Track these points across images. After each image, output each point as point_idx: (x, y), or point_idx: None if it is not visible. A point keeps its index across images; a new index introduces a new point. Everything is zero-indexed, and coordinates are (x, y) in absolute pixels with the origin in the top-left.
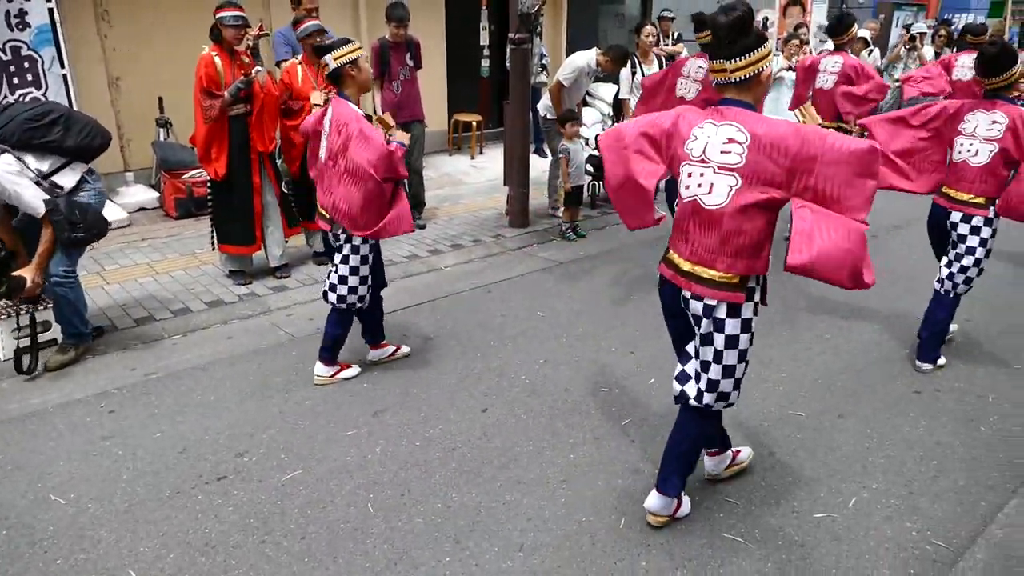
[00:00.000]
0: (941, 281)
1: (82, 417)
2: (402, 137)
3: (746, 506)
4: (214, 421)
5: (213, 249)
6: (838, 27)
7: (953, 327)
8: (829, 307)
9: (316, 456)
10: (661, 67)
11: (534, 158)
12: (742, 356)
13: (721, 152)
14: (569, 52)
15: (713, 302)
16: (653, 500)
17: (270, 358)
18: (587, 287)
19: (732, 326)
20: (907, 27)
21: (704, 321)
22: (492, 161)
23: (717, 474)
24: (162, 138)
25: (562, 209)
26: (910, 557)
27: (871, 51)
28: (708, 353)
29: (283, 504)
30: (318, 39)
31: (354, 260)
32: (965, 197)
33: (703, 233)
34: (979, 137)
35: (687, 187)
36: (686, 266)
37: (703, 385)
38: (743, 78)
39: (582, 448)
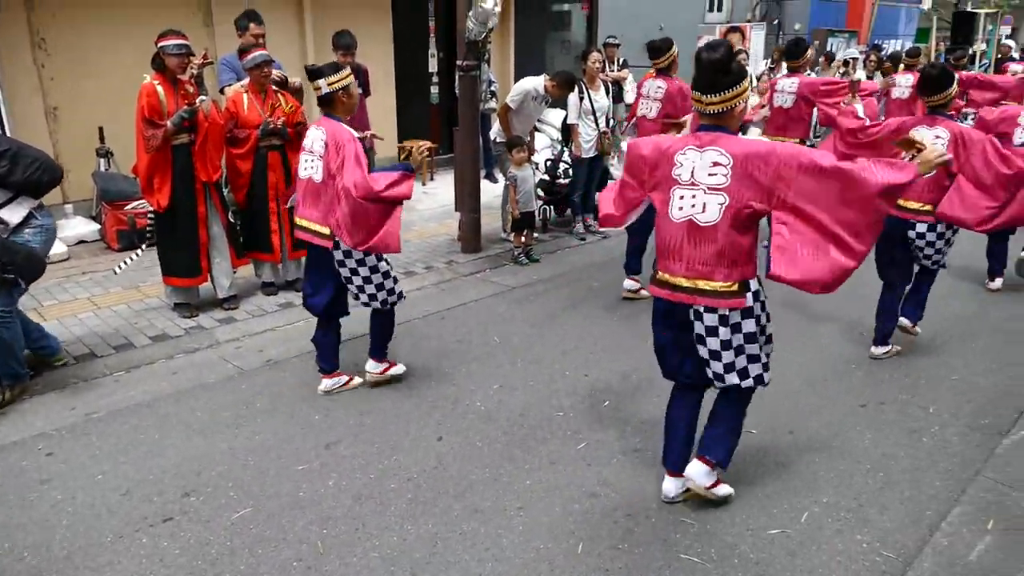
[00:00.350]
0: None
1: (18, 460)
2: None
3: (702, 525)
4: (159, 460)
5: (118, 272)
6: (796, 50)
7: (904, 321)
8: (780, 321)
9: (267, 492)
10: (608, 92)
11: (485, 183)
12: (766, 341)
13: (709, 175)
14: (517, 78)
15: (726, 311)
16: (694, 467)
17: (218, 393)
18: (540, 311)
19: (749, 325)
20: (827, 54)
21: (721, 330)
22: (443, 187)
23: (674, 498)
24: (103, 168)
25: (513, 234)
26: (861, 569)
27: (808, 75)
28: (729, 355)
29: (233, 544)
30: (266, 69)
31: (371, 261)
32: (916, 206)
33: (699, 249)
34: None
35: (680, 208)
36: (684, 282)
37: (734, 378)
38: (717, 111)
39: (538, 473)
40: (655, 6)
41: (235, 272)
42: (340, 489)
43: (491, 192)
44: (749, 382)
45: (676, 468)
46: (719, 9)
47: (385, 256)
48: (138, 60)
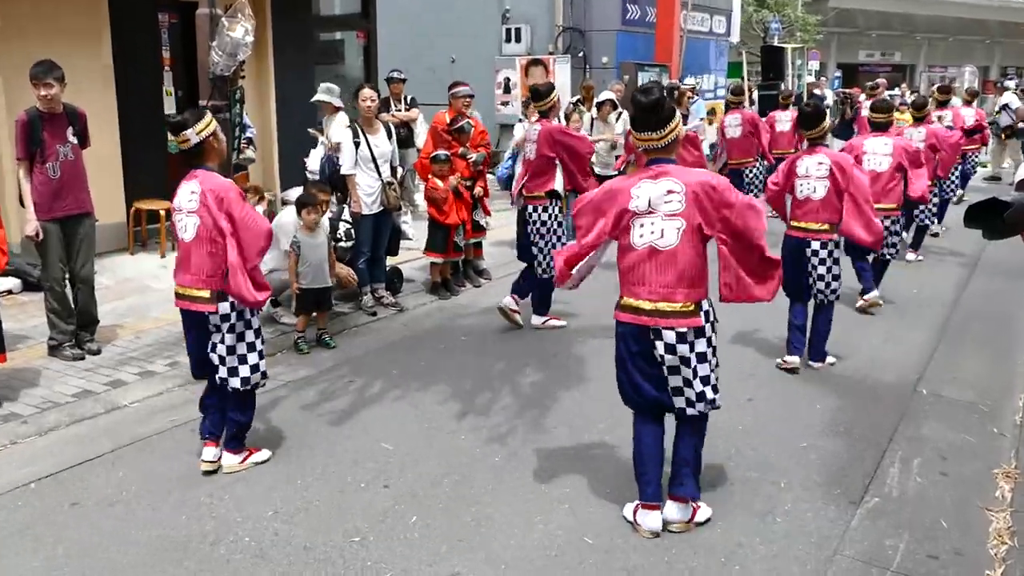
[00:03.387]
0: (816, 295)
1: None
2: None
3: None
4: None
5: None
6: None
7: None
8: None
9: None
10: (389, 135)
11: None
12: (713, 365)
13: (665, 202)
14: (281, 121)
15: (684, 329)
16: (670, 510)
17: None
18: (326, 410)
19: (701, 344)
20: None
21: (679, 347)
22: None
23: (673, 521)
24: None
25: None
26: None
27: (619, 114)
28: (688, 372)
29: None
30: None
31: (250, 336)
32: (816, 226)
33: (660, 273)
34: (812, 176)
35: (640, 236)
36: (648, 305)
37: (692, 396)
38: (666, 143)
39: None
40: (446, 36)
41: None
42: None
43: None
44: (703, 407)
45: (658, 499)
46: (517, 40)
47: (256, 326)
48: None
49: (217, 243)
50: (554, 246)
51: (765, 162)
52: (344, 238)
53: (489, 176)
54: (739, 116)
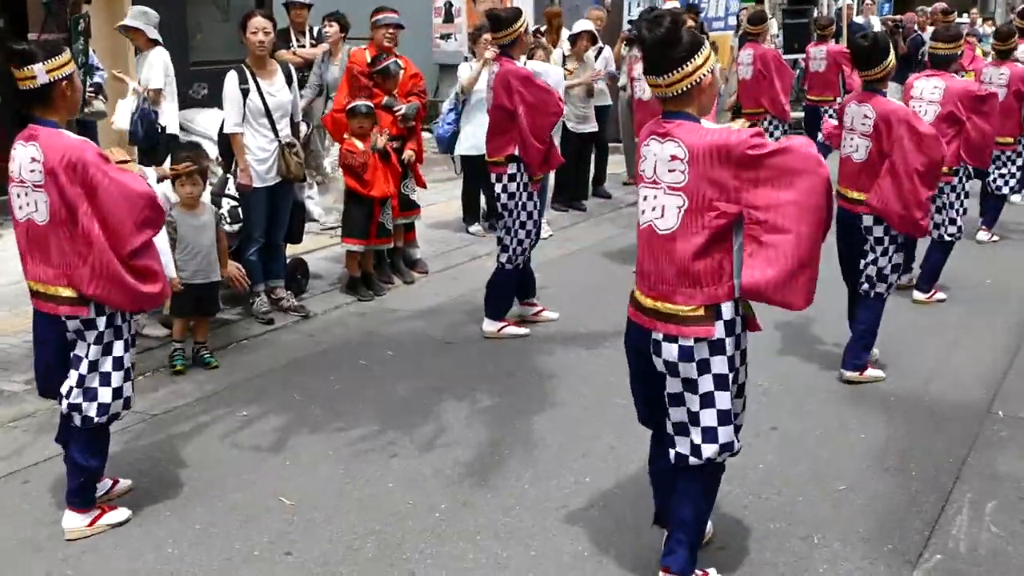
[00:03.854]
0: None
1: None
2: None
3: None
4: None
5: None
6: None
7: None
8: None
9: None
10: (289, 81)
11: None
12: (738, 392)
13: (668, 171)
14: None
15: (690, 342)
16: None
17: None
18: (198, 456)
19: (718, 364)
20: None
21: (682, 366)
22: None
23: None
24: None
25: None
26: None
27: (600, 50)
28: (695, 401)
29: None
30: None
31: (118, 348)
32: (860, 196)
33: (659, 263)
34: (856, 132)
35: (643, 212)
36: (648, 303)
37: (697, 438)
38: (678, 92)
39: None
40: None
41: None
42: None
43: None
44: (714, 448)
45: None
46: None
47: (126, 336)
48: None
49: (79, 225)
50: (523, 225)
51: (777, 117)
52: (228, 220)
53: (425, 135)
54: (751, 53)
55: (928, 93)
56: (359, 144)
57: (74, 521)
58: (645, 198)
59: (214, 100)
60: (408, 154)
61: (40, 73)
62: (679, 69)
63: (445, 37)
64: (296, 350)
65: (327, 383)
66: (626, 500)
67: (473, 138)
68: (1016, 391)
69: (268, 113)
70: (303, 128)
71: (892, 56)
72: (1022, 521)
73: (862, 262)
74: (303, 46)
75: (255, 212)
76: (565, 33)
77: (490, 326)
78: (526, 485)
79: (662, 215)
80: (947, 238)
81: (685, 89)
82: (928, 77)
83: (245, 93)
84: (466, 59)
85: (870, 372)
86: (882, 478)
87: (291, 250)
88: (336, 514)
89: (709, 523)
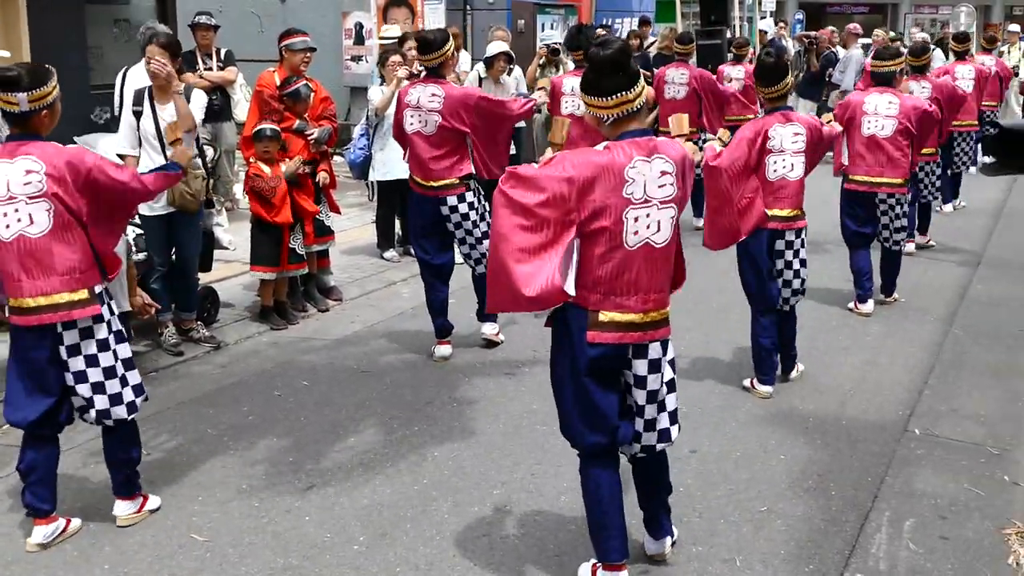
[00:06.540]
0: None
1: None
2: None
3: None
4: None
5: None
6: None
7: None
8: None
9: None
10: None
11: None
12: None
13: (659, 187)
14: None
15: (667, 339)
16: (653, 546)
17: None
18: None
19: (671, 352)
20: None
21: (664, 361)
22: None
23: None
24: None
25: None
26: None
27: (510, 70)
28: (665, 393)
29: None
30: None
31: (123, 351)
32: (795, 214)
33: (657, 276)
34: (788, 151)
35: (635, 233)
36: (637, 319)
37: (666, 423)
38: (632, 111)
39: None
40: None
41: None
42: None
43: None
44: (677, 428)
45: (626, 554)
46: None
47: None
48: None
49: (79, 228)
50: (486, 234)
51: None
52: (135, 248)
53: (336, 159)
54: (686, 72)
55: (884, 108)
56: (265, 168)
57: (126, 508)
58: (636, 219)
59: (116, 124)
60: (322, 175)
61: (23, 102)
62: (637, 83)
63: (356, 59)
64: (208, 382)
65: (240, 415)
66: (547, 527)
67: (388, 163)
68: (931, 409)
69: (160, 137)
70: (209, 153)
71: (791, 75)
72: (940, 538)
73: (783, 277)
74: (209, 68)
75: (152, 240)
76: (463, 55)
77: (490, 329)
78: (446, 515)
79: (659, 229)
80: (895, 248)
81: (637, 107)
82: (880, 93)
83: (138, 115)
84: (377, 83)
85: (760, 387)
86: (802, 499)
87: (202, 279)
88: (251, 550)
89: (675, 530)
